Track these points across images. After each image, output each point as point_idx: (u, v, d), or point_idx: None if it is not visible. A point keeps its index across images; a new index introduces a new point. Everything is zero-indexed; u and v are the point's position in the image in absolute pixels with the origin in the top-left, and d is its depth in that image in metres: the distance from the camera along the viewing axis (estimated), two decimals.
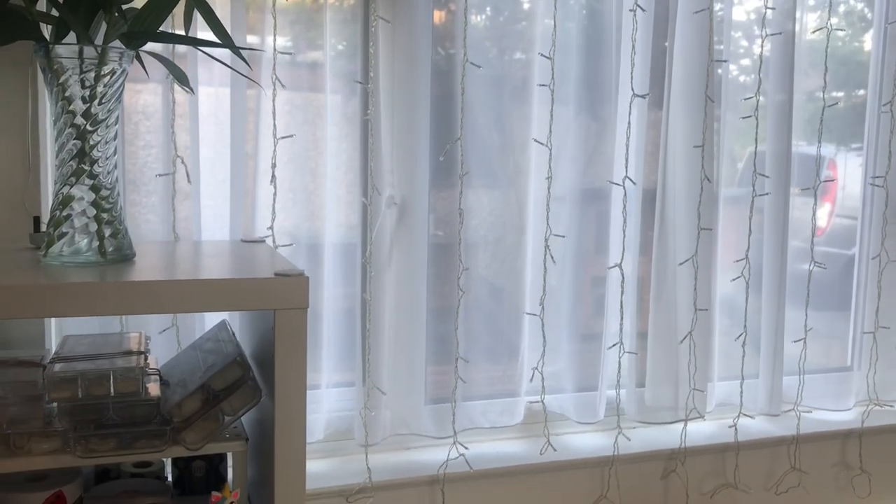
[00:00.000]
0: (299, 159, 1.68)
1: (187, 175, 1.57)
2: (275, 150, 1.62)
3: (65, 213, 1.21)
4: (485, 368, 1.89)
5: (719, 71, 1.97)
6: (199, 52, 1.55)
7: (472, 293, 1.82)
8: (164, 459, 1.47)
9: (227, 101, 1.61)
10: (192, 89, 1.48)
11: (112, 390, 1.21)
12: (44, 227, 1.40)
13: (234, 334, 1.36)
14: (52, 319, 1.52)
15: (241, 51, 1.35)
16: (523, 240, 1.88)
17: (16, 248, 1.35)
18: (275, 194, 1.62)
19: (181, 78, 1.38)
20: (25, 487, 1.23)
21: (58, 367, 1.21)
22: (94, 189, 1.22)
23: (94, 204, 1.22)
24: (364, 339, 1.76)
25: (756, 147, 2.03)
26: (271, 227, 1.62)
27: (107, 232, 1.23)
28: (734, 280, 2.06)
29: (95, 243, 1.22)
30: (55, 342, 1.53)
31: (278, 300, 1.15)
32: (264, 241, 1.58)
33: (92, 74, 1.20)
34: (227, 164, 1.63)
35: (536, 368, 1.88)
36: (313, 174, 1.71)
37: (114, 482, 1.37)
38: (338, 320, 1.79)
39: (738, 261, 2.05)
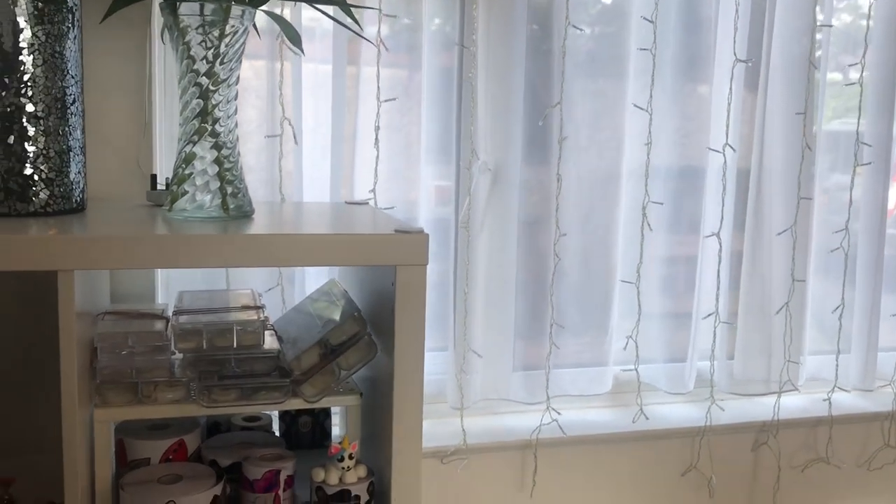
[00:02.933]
0: (395, 123, 1.69)
1: (294, 136, 1.58)
2: (378, 111, 1.62)
3: (188, 171, 1.24)
4: (575, 336, 1.88)
5: (819, 36, 1.92)
6: (302, 20, 1.56)
7: (564, 260, 1.81)
8: (272, 415, 1.51)
9: (330, 66, 1.62)
10: (302, 51, 1.49)
11: (235, 342, 1.24)
12: (160, 185, 1.44)
13: (346, 292, 1.38)
14: (159, 276, 1.56)
15: (351, 9, 1.36)
16: (617, 207, 1.86)
17: (136, 205, 1.39)
18: (377, 157, 1.63)
19: (294, 38, 1.39)
20: (149, 435, 1.27)
21: (182, 318, 1.25)
22: (216, 147, 1.24)
23: (216, 161, 1.24)
24: (457, 304, 1.77)
25: (859, 115, 1.97)
26: (373, 190, 1.64)
27: (228, 189, 1.25)
28: (833, 251, 2.01)
29: (218, 199, 1.24)
30: (161, 298, 1.57)
31: (399, 256, 1.16)
32: (367, 203, 1.60)
33: (216, 33, 1.22)
34: (328, 127, 1.64)
35: (631, 337, 1.87)
36: (408, 138, 1.71)
37: (228, 434, 1.40)
38: (431, 285, 1.79)
39: (837, 232, 2.00)
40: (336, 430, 1.54)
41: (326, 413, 1.52)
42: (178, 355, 1.24)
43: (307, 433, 1.50)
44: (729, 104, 1.84)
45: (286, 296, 1.61)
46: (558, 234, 1.77)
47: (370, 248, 1.15)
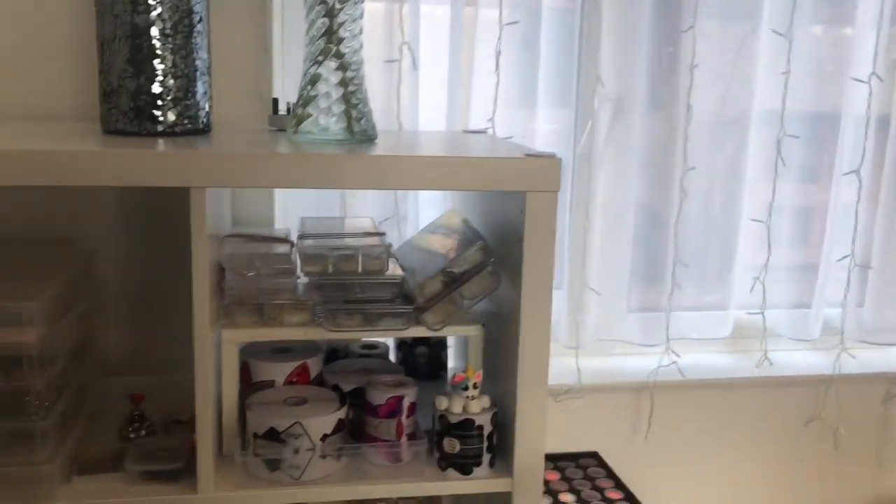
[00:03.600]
0: (514, 50, 1.62)
1: (413, 61, 1.54)
2: (500, 35, 1.56)
3: (313, 92, 1.22)
4: (695, 277, 1.80)
5: None
6: None
7: (688, 196, 1.72)
8: (388, 344, 1.50)
9: None
10: None
11: (360, 267, 1.22)
12: (282, 110, 1.42)
13: (468, 221, 1.35)
14: (278, 202, 1.55)
15: None
16: (748, 140, 1.75)
17: (258, 129, 1.38)
18: (497, 83, 1.57)
19: None
20: (273, 358, 1.28)
21: (308, 242, 1.24)
22: (342, 68, 1.21)
23: (341, 83, 1.21)
24: (574, 240, 1.72)
25: None
26: (492, 119, 1.58)
27: (353, 112, 1.22)
28: None
29: (343, 122, 1.21)
30: (278, 224, 1.57)
31: (530, 181, 1.11)
32: (486, 132, 1.55)
33: None
34: (445, 54, 1.59)
35: (759, 279, 1.78)
36: (527, 66, 1.65)
37: (349, 360, 1.40)
38: None
39: None
40: (451, 363, 1.52)
41: (443, 345, 1.50)
42: (303, 279, 1.24)
43: (423, 364, 1.48)
44: (878, 29, 1.69)
45: (401, 227, 1.59)
46: (686, 168, 1.68)
47: (501, 173, 1.10)
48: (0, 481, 1.07)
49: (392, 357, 1.49)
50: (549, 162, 1.11)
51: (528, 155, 1.13)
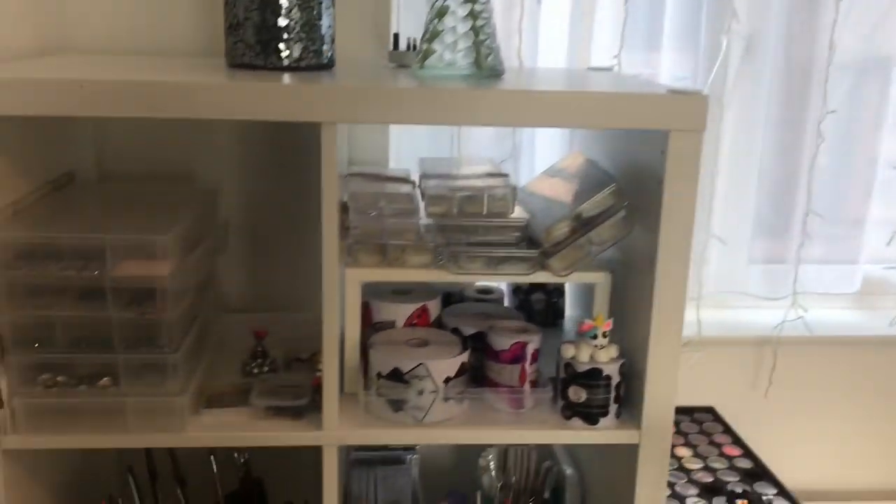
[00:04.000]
0: None
1: None
2: None
3: (440, 27, 1.17)
4: (826, 228, 1.70)
5: None
6: None
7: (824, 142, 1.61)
8: (503, 289, 1.47)
9: None
10: None
11: (485, 209, 1.19)
12: (402, 45, 1.38)
13: (597, 163, 1.29)
14: (391, 141, 1.52)
15: None
16: (891, 82, 1.62)
17: (380, 66, 1.35)
18: (625, 19, 1.49)
19: None
20: (394, 299, 1.26)
21: (432, 183, 1.21)
22: (470, 0, 1.16)
23: (470, 15, 1.16)
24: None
25: None
26: (618, 56, 1.51)
27: (481, 46, 1.17)
28: None
29: (471, 57, 1.17)
30: (392, 164, 1.54)
31: (674, 120, 1.04)
32: (611, 70, 1.47)
33: None
34: None
35: None
36: (651, 1, 1.55)
37: (467, 304, 1.38)
38: None
39: None
40: (567, 312, 1.48)
41: (560, 292, 1.46)
42: (425, 220, 1.21)
43: (540, 311, 1.45)
44: None
45: (518, 170, 1.54)
46: (825, 111, 1.57)
47: (643, 111, 1.04)
48: (134, 412, 1.09)
49: (506, 303, 1.46)
50: (694, 99, 1.04)
51: (671, 91, 1.06)
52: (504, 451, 1.47)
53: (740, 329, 1.69)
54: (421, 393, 1.13)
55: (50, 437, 1.09)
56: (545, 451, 1.51)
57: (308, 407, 1.15)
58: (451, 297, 1.42)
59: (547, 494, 1.43)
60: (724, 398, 1.68)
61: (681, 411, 1.66)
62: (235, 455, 1.44)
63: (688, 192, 1.06)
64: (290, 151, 1.45)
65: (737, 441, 1.56)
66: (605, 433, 1.14)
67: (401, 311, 1.25)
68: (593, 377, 1.13)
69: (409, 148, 1.55)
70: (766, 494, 1.35)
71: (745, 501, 0.92)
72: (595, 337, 1.13)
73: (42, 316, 1.07)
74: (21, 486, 1.14)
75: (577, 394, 1.14)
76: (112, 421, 1.09)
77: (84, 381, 1.10)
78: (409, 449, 1.43)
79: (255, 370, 1.26)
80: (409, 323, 1.25)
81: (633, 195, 1.16)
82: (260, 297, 1.51)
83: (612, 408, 1.14)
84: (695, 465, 1.48)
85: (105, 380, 1.10)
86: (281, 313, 1.49)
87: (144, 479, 1.31)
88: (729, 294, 1.72)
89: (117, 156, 1.44)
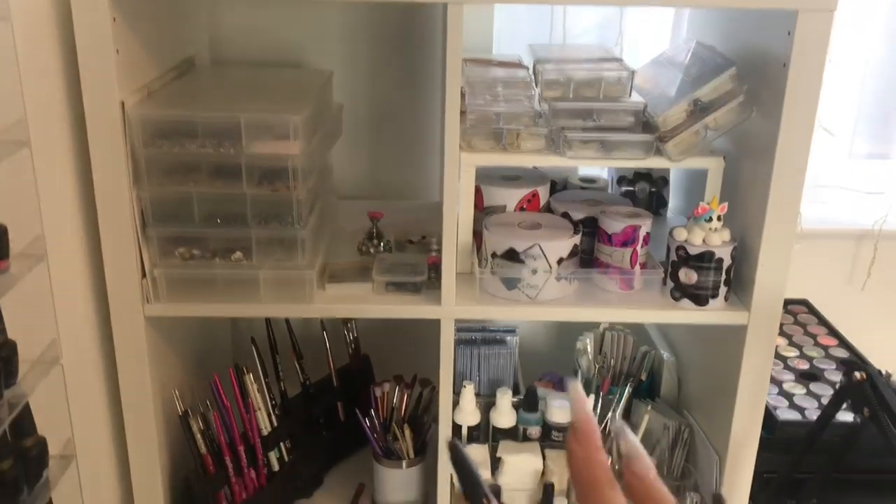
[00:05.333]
0: None
1: None
2: None
3: None
4: None
5: None
6: None
7: None
8: (608, 178, 1.48)
9: None
10: None
11: (601, 93, 1.20)
12: None
13: (714, 48, 1.27)
14: (495, 29, 1.52)
15: None
16: None
17: None
18: None
19: None
20: (505, 184, 1.30)
21: (549, 66, 1.21)
22: None
23: None
24: None
25: None
26: None
27: None
28: None
29: None
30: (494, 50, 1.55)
31: None
32: None
33: None
34: None
35: None
36: None
37: (573, 191, 1.40)
38: None
39: None
40: (672, 201, 1.49)
41: (665, 181, 1.47)
42: (540, 105, 1.22)
43: (644, 200, 1.46)
44: None
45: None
46: None
47: None
48: (265, 284, 1.16)
49: (610, 191, 1.48)
50: None
51: None
52: (601, 336, 1.51)
53: (841, 222, 1.68)
54: (535, 272, 1.17)
55: (188, 306, 1.17)
56: (642, 336, 1.55)
57: (425, 284, 1.21)
58: (555, 187, 1.45)
59: (643, 377, 1.48)
60: (819, 292, 1.69)
61: None
62: (345, 332, 1.52)
63: (814, 76, 1.05)
64: (400, 37, 1.47)
65: (832, 332, 1.58)
66: (715, 314, 1.17)
67: (512, 196, 1.28)
68: (705, 260, 1.15)
69: (509, 36, 1.54)
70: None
71: (864, 374, 0.95)
72: (710, 220, 1.15)
73: (179, 192, 1.13)
74: (160, 353, 1.23)
75: (688, 276, 1.16)
76: (246, 291, 1.16)
77: (218, 254, 1.17)
78: (511, 331, 1.49)
79: (372, 250, 1.32)
80: (520, 208, 1.29)
81: (752, 79, 1.15)
82: (370, 185, 1.56)
83: (722, 290, 1.17)
84: (791, 353, 1.51)
85: (237, 253, 1.17)
86: (390, 200, 1.54)
87: (265, 351, 1.40)
88: (829, 188, 1.70)
89: (229, 42, 1.48)
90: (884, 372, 1.01)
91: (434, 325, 1.19)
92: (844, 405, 1.13)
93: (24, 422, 0.90)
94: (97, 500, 1.17)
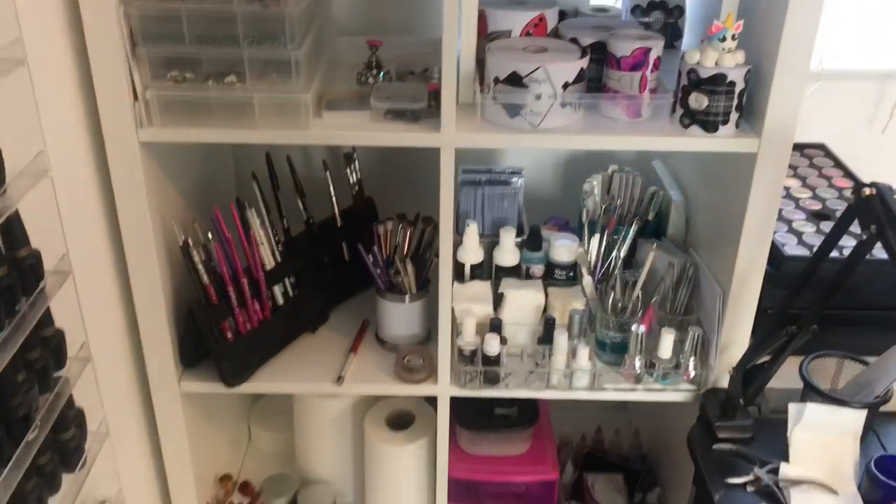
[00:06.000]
0: None
1: None
2: None
3: None
4: None
5: None
6: None
7: None
8: (622, 8, 1.41)
9: None
10: None
11: None
12: None
13: None
14: None
15: None
16: None
17: None
18: None
19: None
20: (510, 7, 1.23)
21: None
22: None
23: None
24: None
25: None
26: None
27: None
28: None
29: None
30: None
31: None
32: None
33: None
34: None
35: None
36: None
37: (584, 18, 1.34)
38: None
39: None
40: (686, 34, 1.42)
41: (681, 10, 1.39)
42: None
43: (657, 31, 1.39)
44: None
45: None
46: None
47: None
48: (261, 108, 1.13)
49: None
50: None
51: None
52: (609, 177, 1.48)
53: (863, 62, 1.60)
54: (538, 97, 1.13)
55: (182, 131, 1.14)
56: (651, 177, 1.52)
57: (425, 112, 1.17)
58: (565, 16, 1.38)
59: (651, 218, 1.46)
60: (836, 135, 1.63)
61: None
62: (348, 173, 1.50)
63: None
64: None
65: (848, 174, 1.53)
66: (724, 141, 1.13)
67: (518, 20, 1.22)
68: (717, 83, 1.10)
69: None
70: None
71: (873, 189, 0.91)
72: (724, 39, 1.09)
73: (168, 8, 1.09)
74: (158, 182, 1.22)
75: (699, 101, 1.12)
76: (241, 117, 1.13)
77: (211, 77, 1.13)
78: (517, 172, 1.46)
79: (371, 80, 1.28)
80: (525, 33, 1.23)
81: None
82: (370, 20, 1.50)
83: (733, 116, 1.12)
84: (803, 194, 1.47)
85: (231, 76, 1.13)
86: (391, 36, 1.48)
87: (267, 188, 1.38)
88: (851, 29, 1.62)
89: None
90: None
91: (437, 165, 1.16)
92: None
93: (15, 232, 0.89)
94: (99, 321, 1.18)
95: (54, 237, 0.97)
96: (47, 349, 0.95)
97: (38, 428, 0.90)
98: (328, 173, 1.46)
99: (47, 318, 0.95)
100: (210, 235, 1.26)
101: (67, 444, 0.99)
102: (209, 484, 1.56)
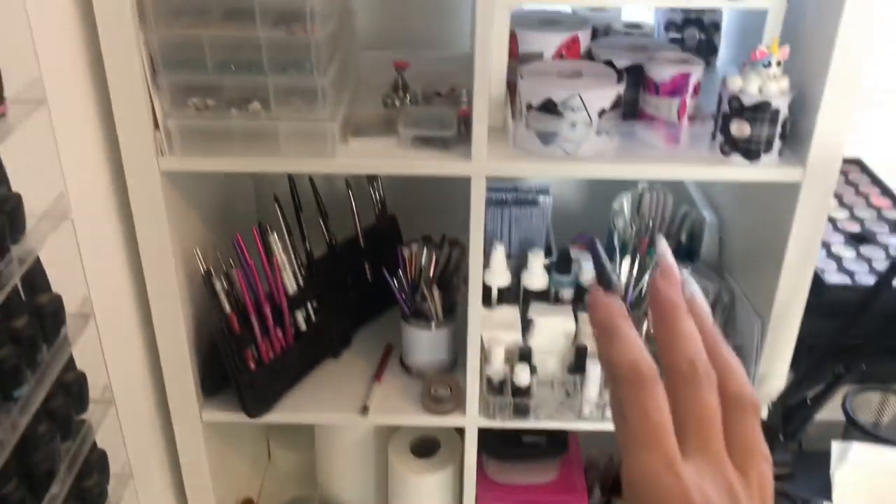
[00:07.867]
0: None
1: None
2: None
3: None
4: None
5: None
6: None
7: None
8: (655, 24, 1.36)
9: None
10: None
11: None
12: None
13: None
14: None
15: None
16: None
17: None
18: None
19: None
20: (542, 28, 1.19)
21: None
22: None
23: None
24: None
25: None
26: None
27: None
28: None
29: None
30: None
31: None
32: None
33: None
34: None
35: None
36: None
37: (617, 37, 1.30)
38: None
39: None
40: (722, 50, 1.37)
41: (716, 26, 1.34)
42: None
43: (692, 47, 1.34)
44: None
45: None
46: None
47: None
48: (286, 136, 1.09)
49: (656, 38, 1.37)
50: None
51: None
52: (639, 196, 1.44)
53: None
54: (574, 125, 1.08)
55: (205, 160, 1.10)
56: (682, 196, 1.47)
57: (455, 138, 1.13)
58: (596, 34, 1.33)
59: (682, 239, 1.42)
60: (874, 150, 1.58)
61: None
62: (371, 191, 1.46)
63: None
64: None
65: (886, 192, 1.49)
66: (767, 170, 1.09)
67: (550, 41, 1.18)
68: (760, 111, 1.05)
69: None
70: None
71: None
72: (768, 65, 1.04)
73: (189, 35, 1.05)
74: (179, 211, 1.18)
75: (741, 129, 1.07)
76: (264, 146, 1.10)
77: (234, 105, 1.09)
78: (544, 191, 1.42)
79: (397, 103, 1.24)
80: (558, 55, 1.19)
81: None
82: (395, 34, 1.45)
83: (776, 145, 1.08)
84: (841, 214, 1.42)
85: (255, 104, 1.09)
86: (415, 49, 1.44)
87: (289, 210, 1.35)
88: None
89: None
90: None
91: (462, 184, 1.12)
92: None
93: (36, 278, 0.86)
94: (121, 361, 1.15)
95: (75, 278, 0.94)
96: (69, 395, 0.92)
97: (62, 481, 0.87)
98: (350, 192, 1.42)
99: (69, 362, 0.92)
100: (231, 262, 1.23)
101: (91, 490, 0.96)
102: None
